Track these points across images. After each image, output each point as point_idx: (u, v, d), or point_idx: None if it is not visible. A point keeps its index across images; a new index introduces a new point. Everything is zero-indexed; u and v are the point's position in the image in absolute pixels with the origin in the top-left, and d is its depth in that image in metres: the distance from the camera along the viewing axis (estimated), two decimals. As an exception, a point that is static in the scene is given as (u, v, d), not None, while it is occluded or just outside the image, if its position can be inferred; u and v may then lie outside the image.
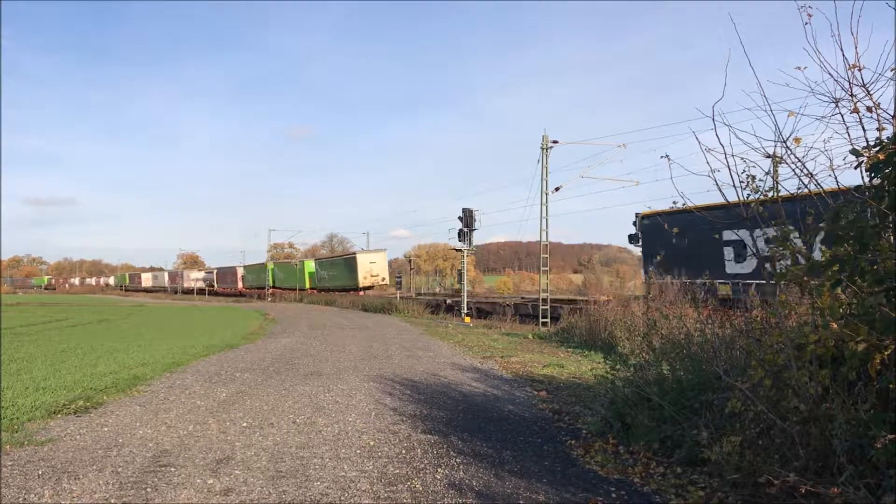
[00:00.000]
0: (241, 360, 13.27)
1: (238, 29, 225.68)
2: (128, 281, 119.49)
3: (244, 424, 7.25)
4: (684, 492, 4.81)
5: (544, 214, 25.97)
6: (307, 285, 62.15)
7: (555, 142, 26.13)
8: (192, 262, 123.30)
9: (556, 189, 26.76)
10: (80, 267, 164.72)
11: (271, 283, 65.56)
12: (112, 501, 4.75)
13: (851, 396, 4.00)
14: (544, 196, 25.99)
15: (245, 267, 77.92)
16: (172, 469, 5.53)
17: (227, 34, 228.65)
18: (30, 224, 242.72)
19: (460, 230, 29.59)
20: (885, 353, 3.74)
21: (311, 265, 63.83)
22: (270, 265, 68.74)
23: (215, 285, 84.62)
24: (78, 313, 33.88)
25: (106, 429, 7.01)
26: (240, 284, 76.94)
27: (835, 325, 4.05)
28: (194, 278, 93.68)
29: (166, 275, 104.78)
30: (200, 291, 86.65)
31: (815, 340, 4.15)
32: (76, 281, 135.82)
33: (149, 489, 5.00)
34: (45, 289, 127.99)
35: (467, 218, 29.49)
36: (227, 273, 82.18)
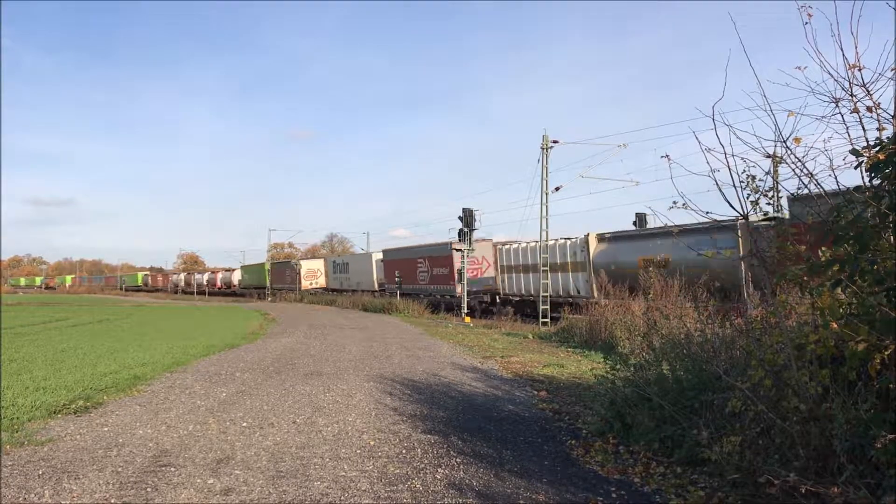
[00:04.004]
0: (242, 359, 13.27)
1: (238, 29, 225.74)
2: (269, 282, 60.69)
3: (244, 424, 7.25)
4: (684, 492, 4.81)
5: (544, 214, 25.94)
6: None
7: (555, 142, 26.10)
8: (192, 262, 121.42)
9: (557, 189, 26.68)
10: (80, 267, 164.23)
11: None
12: (112, 501, 4.75)
13: (851, 396, 4.00)
14: (544, 196, 25.96)
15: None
16: (172, 469, 5.53)
17: (227, 34, 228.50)
18: (30, 224, 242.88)
19: (460, 230, 29.56)
20: (885, 353, 3.73)
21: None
22: None
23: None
24: (78, 313, 33.86)
25: (106, 429, 7.02)
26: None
27: (835, 325, 4.05)
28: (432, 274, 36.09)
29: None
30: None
31: (815, 340, 4.15)
32: (181, 278, 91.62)
33: (149, 489, 5.00)
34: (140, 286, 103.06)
35: (467, 218, 29.46)
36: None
